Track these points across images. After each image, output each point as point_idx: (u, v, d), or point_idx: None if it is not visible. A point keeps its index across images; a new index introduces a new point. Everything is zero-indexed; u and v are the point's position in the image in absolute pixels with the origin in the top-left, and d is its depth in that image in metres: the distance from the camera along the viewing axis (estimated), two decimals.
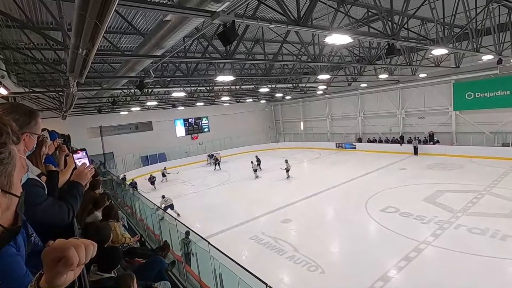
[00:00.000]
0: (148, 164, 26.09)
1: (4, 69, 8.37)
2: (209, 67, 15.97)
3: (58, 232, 1.07)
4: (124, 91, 16.06)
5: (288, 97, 30.86)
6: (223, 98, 25.07)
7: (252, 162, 20.11)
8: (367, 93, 25.88)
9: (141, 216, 10.05)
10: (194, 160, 27.47)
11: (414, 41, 9.64)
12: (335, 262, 8.07)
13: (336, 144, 27.79)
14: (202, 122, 32.51)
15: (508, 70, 14.53)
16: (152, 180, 19.32)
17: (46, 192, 1.48)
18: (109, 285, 2.29)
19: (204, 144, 30.27)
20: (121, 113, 25.63)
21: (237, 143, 31.21)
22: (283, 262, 8.10)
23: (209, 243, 5.44)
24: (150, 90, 15.51)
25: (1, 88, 7.60)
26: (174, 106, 25.48)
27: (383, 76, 17.50)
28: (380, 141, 24.88)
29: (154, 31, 6.18)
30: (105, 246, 3.00)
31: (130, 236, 4.66)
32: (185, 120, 31.16)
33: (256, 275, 4.15)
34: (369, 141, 25.74)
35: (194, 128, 31.91)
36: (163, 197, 13.28)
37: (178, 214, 12.49)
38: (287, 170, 17.89)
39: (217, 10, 4.23)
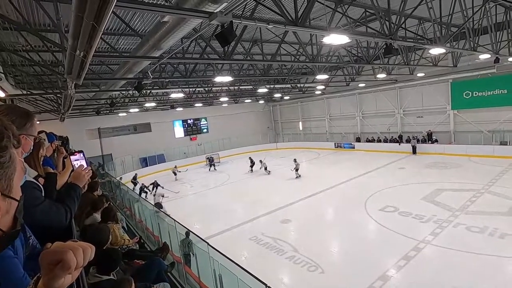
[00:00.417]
0: (147, 166, 26.06)
1: (2, 71, 8.34)
2: (207, 68, 15.98)
3: (57, 234, 1.06)
4: (122, 92, 16.06)
5: (286, 98, 30.89)
6: (222, 99, 25.07)
7: (260, 161, 20.51)
8: (365, 93, 25.94)
9: (140, 217, 10.03)
10: (193, 161, 27.44)
11: (412, 40, 9.68)
12: (334, 262, 8.08)
13: (335, 144, 27.83)
14: (201, 123, 32.49)
15: (505, 69, 14.60)
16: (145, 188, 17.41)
17: (43, 194, 1.47)
18: None
19: (203, 145, 30.26)
20: (120, 114, 25.58)
21: (236, 143, 31.20)
22: (282, 263, 8.09)
23: (208, 244, 5.43)
24: (148, 91, 15.53)
25: None
26: (172, 107, 25.45)
27: (381, 75, 17.56)
28: (379, 141, 24.94)
29: (152, 33, 6.17)
30: (104, 248, 2.99)
31: (129, 238, 4.65)
32: (184, 121, 31.13)
33: (256, 275, 4.15)
34: (368, 140, 25.78)
35: (192, 129, 31.88)
36: (154, 195, 13.99)
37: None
38: (297, 169, 17.92)
39: (215, 11, 4.23)
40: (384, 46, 8.02)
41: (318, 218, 11.37)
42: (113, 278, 2.47)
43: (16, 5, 5.86)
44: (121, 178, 20.81)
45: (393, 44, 7.80)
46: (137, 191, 15.86)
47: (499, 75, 16.94)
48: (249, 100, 30.55)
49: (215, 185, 18.98)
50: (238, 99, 28.33)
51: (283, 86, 21.00)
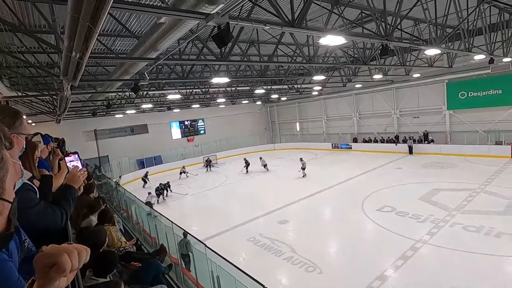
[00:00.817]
0: (144, 167, 25.93)
1: None
2: (204, 69, 15.98)
3: (52, 237, 1.06)
4: (119, 94, 15.98)
5: (283, 98, 30.95)
6: (219, 100, 25.05)
7: (260, 158, 21.45)
8: (362, 94, 26.06)
9: (137, 219, 9.98)
10: (191, 163, 27.34)
11: (408, 41, 9.75)
12: (332, 262, 8.09)
13: (332, 144, 27.91)
14: (198, 124, 32.42)
15: (499, 69, 14.75)
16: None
17: (38, 196, 1.46)
18: None
19: (200, 146, 30.18)
20: (116, 116, 25.47)
21: (233, 144, 31.18)
22: (280, 263, 8.09)
23: (205, 245, 5.41)
24: (145, 92, 15.47)
25: None
26: (169, 108, 25.40)
27: (378, 76, 17.65)
28: (376, 141, 25.05)
29: (148, 34, 6.16)
30: (101, 250, 2.97)
31: (126, 240, 4.62)
32: (181, 122, 31.05)
33: (254, 277, 4.14)
34: (365, 141, 25.89)
35: (190, 130, 31.81)
36: (149, 193, 14.19)
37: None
38: (303, 168, 17.93)
39: (212, 12, 4.24)
40: (380, 47, 8.08)
41: (315, 218, 11.38)
42: (109, 280, 2.46)
43: (11, 6, 5.82)
44: (120, 177, 20.96)
45: (389, 45, 7.84)
46: (148, 189, 16.76)
47: (494, 75, 17.10)
48: (246, 101, 30.57)
49: (212, 186, 18.93)
50: (235, 100, 28.33)
51: (280, 87, 21.04)
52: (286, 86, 21.32)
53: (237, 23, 4.97)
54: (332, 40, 6.92)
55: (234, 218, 12.35)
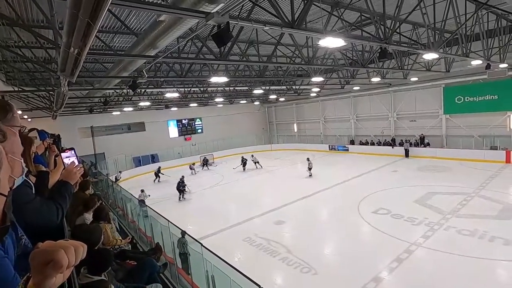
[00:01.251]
0: (141, 165, 25.82)
1: None
2: (203, 68, 15.94)
3: (48, 234, 1.04)
4: (117, 91, 15.89)
5: (281, 99, 30.99)
6: (217, 99, 25.02)
7: (252, 156, 22.44)
8: (359, 96, 26.17)
9: (132, 217, 9.93)
10: (187, 162, 27.25)
11: (406, 45, 9.80)
12: (327, 263, 8.10)
13: (329, 146, 28.00)
14: (196, 123, 32.35)
15: (496, 75, 14.87)
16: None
17: (33, 192, 1.44)
18: None
19: (197, 145, 30.11)
20: (113, 113, 25.31)
21: (231, 144, 31.14)
22: (276, 264, 8.09)
23: (202, 245, 5.40)
24: (143, 90, 15.38)
25: None
26: (167, 106, 25.29)
27: (376, 79, 17.75)
28: (372, 144, 25.17)
29: (147, 31, 6.14)
30: (96, 248, 2.95)
31: (121, 238, 4.59)
32: (178, 121, 30.96)
33: (249, 277, 4.14)
34: (362, 143, 25.99)
35: (187, 129, 31.72)
36: (142, 191, 13.98)
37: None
38: (310, 169, 17.97)
39: (212, 11, 4.23)
40: (379, 50, 8.11)
41: (311, 219, 11.40)
42: (104, 278, 2.44)
43: (9, 0, 5.76)
44: (120, 172, 21.62)
45: (387, 48, 7.89)
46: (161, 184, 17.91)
47: (490, 81, 17.26)
48: (244, 101, 30.56)
49: (209, 185, 18.89)
50: (233, 99, 28.31)
51: (279, 87, 21.06)
52: (284, 87, 21.35)
53: (237, 22, 4.96)
54: (332, 42, 6.94)
55: (230, 217, 12.33)
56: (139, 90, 14.46)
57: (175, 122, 30.81)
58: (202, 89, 18.18)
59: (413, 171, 17.46)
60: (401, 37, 9.78)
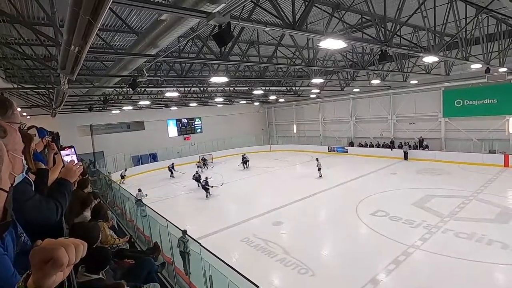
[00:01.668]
0: (140, 164, 25.79)
1: None
2: (203, 68, 15.94)
3: (47, 232, 1.04)
4: (116, 89, 15.87)
5: (281, 100, 31.02)
6: (217, 99, 25.01)
7: (244, 154, 23.02)
8: (359, 98, 26.21)
9: (131, 216, 9.91)
10: (186, 161, 27.26)
11: (406, 48, 9.82)
12: (325, 265, 8.10)
13: (328, 147, 28.02)
14: (195, 123, 32.33)
15: (495, 79, 14.93)
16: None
17: (33, 189, 1.44)
18: None
19: (197, 145, 30.09)
20: (113, 111, 25.26)
21: (230, 144, 31.14)
22: (273, 265, 8.09)
23: (200, 244, 5.39)
24: (143, 89, 15.37)
25: None
26: (167, 106, 25.28)
27: (375, 81, 17.77)
28: (371, 146, 25.20)
29: (148, 30, 6.14)
30: (94, 246, 2.94)
31: (118, 237, 4.58)
32: (178, 120, 30.94)
33: (248, 277, 4.13)
34: (361, 145, 26.02)
35: (186, 128, 31.70)
36: (139, 190, 13.98)
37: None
38: (319, 169, 17.94)
39: (213, 11, 4.23)
40: (379, 53, 8.14)
41: (309, 221, 11.40)
42: (102, 277, 2.43)
43: None
44: (125, 170, 22.13)
45: (388, 50, 7.91)
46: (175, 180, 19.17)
47: (490, 85, 17.30)
48: (244, 102, 30.57)
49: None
50: (233, 100, 28.31)
51: (279, 88, 21.07)
52: (284, 88, 21.36)
53: (238, 23, 4.97)
54: (332, 44, 6.95)
55: (228, 218, 12.32)
56: (139, 89, 14.46)
57: (175, 121, 30.79)
58: (202, 89, 18.16)
59: (411, 173, 17.49)
60: (401, 39, 9.81)
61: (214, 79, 12.69)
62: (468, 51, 11.64)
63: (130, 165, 25.18)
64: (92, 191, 5.52)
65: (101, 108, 22.55)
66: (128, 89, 14.10)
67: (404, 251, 8.15)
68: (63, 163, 2.10)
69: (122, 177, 21.49)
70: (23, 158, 0.93)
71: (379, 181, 16.38)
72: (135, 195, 12.90)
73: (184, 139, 31.23)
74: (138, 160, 26.25)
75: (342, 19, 8.35)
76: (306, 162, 24.65)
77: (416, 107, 22.67)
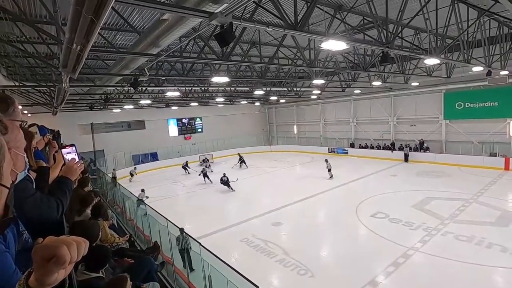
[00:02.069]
0: (140, 163, 25.80)
1: None
2: (204, 68, 15.95)
3: (48, 229, 1.04)
4: (118, 88, 15.87)
5: (282, 101, 31.02)
6: (218, 99, 25.01)
7: (238, 154, 23.34)
8: (360, 100, 26.21)
9: (130, 215, 9.92)
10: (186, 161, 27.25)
11: (408, 50, 9.85)
12: (324, 266, 8.09)
13: (328, 148, 27.99)
14: (196, 123, 32.34)
15: (497, 82, 14.93)
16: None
17: (34, 186, 1.44)
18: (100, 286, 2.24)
19: (197, 145, 30.10)
20: (114, 110, 25.30)
21: (230, 144, 31.14)
22: (273, 265, 8.08)
23: (200, 244, 5.39)
24: (144, 88, 15.38)
25: None
26: (167, 105, 25.28)
27: (377, 83, 17.76)
28: (372, 147, 25.18)
29: (150, 29, 6.14)
30: (94, 244, 2.94)
31: (118, 236, 4.58)
32: (179, 120, 30.95)
33: (248, 278, 4.13)
34: (361, 147, 26.01)
35: (187, 128, 31.72)
36: (142, 190, 13.99)
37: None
38: (329, 170, 17.92)
39: (215, 11, 4.24)
40: (381, 54, 8.13)
41: (309, 222, 11.39)
42: (102, 275, 2.43)
43: None
44: (135, 168, 22.75)
45: (389, 52, 7.91)
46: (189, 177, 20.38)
47: (491, 87, 17.32)
48: (245, 102, 30.56)
49: (208, 185, 18.86)
50: (234, 100, 28.31)
51: (280, 89, 21.07)
52: (285, 89, 21.36)
53: (240, 23, 4.98)
54: (334, 45, 6.95)
55: (228, 218, 12.32)
56: (140, 88, 14.48)
57: (175, 121, 30.81)
58: (203, 88, 18.17)
59: (412, 175, 17.47)
60: (403, 41, 9.82)
61: (215, 79, 12.70)
62: (470, 54, 11.64)
63: (130, 164, 25.19)
64: (92, 190, 5.52)
65: (102, 107, 22.58)
66: (129, 88, 14.10)
67: (403, 253, 8.14)
68: (64, 161, 2.10)
69: (132, 175, 21.97)
70: (25, 155, 0.93)
71: (379, 182, 16.36)
72: (137, 195, 12.96)
73: (185, 138, 31.24)
74: (139, 159, 26.27)
75: (344, 20, 8.36)
76: (307, 163, 24.65)
77: (417, 109, 22.66)
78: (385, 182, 16.33)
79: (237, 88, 19.28)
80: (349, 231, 10.15)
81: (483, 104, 18.85)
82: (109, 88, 15.09)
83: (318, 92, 24.36)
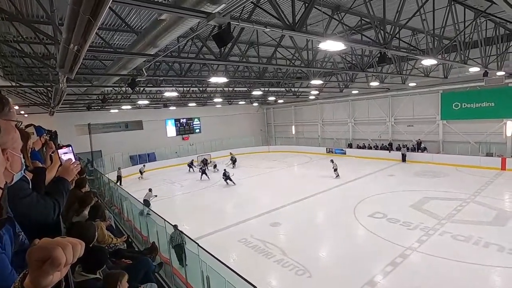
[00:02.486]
0: (137, 164, 25.69)
1: None
2: (202, 68, 15.92)
3: (45, 230, 1.03)
4: (115, 88, 15.81)
5: (280, 101, 31.03)
6: (216, 100, 24.99)
7: (230, 153, 23.86)
8: (358, 100, 26.29)
9: (128, 216, 9.88)
10: (185, 161, 27.19)
11: (405, 50, 9.88)
12: (322, 266, 8.10)
13: (326, 149, 28.05)
14: (194, 123, 32.29)
15: (493, 82, 15.04)
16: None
17: (30, 187, 1.43)
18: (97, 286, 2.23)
19: (195, 145, 30.04)
20: (111, 111, 25.20)
21: (228, 145, 31.09)
22: (271, 266, 8.08)
23: (198, 245, 5.38)
24: (142, 88, 15.33)
25: None
26: (165, 105, 25.22)
27: (374, 83, 17.83)
28: (370, 148, 25.26)
29: (148, 30, 6.12)
30: (90, 246, 2.93)
31: (113, 237, 4.56)
32: (176, 120, 30.88)
33: (246, 278, 4.12)
34: (359, 147, 26.08)
35: (185, 128, 31.65)
36: (150, 190, 13.96)
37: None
38: (335, 170, 17.95)
39: (213, 12, 4.23)
40: (378, 55, 8.16)
41: (307, 222, 11.40)
42: (99, 277, 2.42)
43: None
44: (144, 166, 23.32)
45: (387, 53, 7.94)
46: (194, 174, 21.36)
47: (487, 88, 17.43)
48: (243, 102, 30.56)
49: (206, 185, 18.85)
50: (232, 100, 28.30)
51: (278, 89, 21.09)
52: (283, 89, 21.38)
53: (238, 23, 4.97)
54: (332, 46, 6.97)
55: (226, 218, 12.31)
56: (138, 88, 14.41)
57: (173, 121, 30.74)
58: (201, 89, 18.14)
59: (409, 175, 17.54)
60: (400, 42, 9.85)
61: (213, 79, 12.69)
62: (467, 55, 11.70)
63: (128, 165, 25.10)
64: (90, 190, 5.49)
65: (99, 107, 22.48)
66: (127, 89, 14.06)
67: (401, 253, 8.16)
68: (60, 162, 2.09)
69: (141, 172, 22.45)
70: (21, 156, 0.92)
71: (377, 183, 16.41)
72: (144, 196, 13.14)
73: (183, 139, 31.18)
74: (136, 160, 26.16)
75: (342, 21, 8.38)
76: (305, 163, 24.70)
77: (415, 110, 22.76)
78: (383, 182, 16.38)
79: (235, 89, 19.28)
80: (347, 231, 10.17)
81: (479, 104, 18.97)
82: (106, 88, 15.04)
83: (316, 92, 24.41)
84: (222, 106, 31.21)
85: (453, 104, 20.23)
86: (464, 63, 11.58)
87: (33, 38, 8.47)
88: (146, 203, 13.09)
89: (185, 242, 6.43)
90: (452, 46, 10.84)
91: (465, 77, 17.59)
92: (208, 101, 26.12)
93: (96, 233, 3.28)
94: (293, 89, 22.07)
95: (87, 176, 10.19)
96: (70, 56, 5.02)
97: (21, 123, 1.80)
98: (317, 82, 15.86)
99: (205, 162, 24.57)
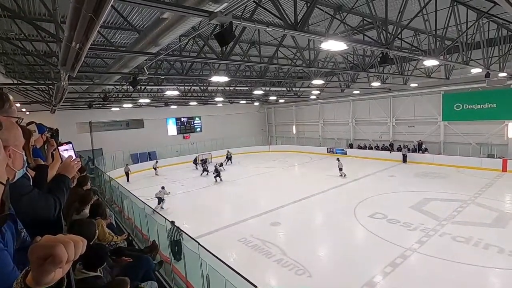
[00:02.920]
0: (138, 162, 25.75)
1: None
2: (204, 67, 15.91)
3: (46, 227, 1.04)
4: (117, 87, 15.84)
5: (281, 101, 31.02)
6: (217, 99, 25.00)
7: (228, 151, 24.63)
8: (359, 100, 26.25)
9: (129, 214, 9.89)
10: (185, 160, 27.23)
11: (407, 51, 9.85)
12: (322, 266, 8.11)
13: (327, 149, 28.03)
14: (195, 122, 32.31)
15: (495, 83, 14.98)
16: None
17: (31, 184, 1.43)
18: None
19: (196, 144, 30.07)
20: (112, 109, 25.23)
21: (229, 144, 31.09)
22: (270, 265, 8.08)
23: (198, 243, 5.38)
24: (143, 87, 15.34)
25: None
26: (166, 104, 25.23)
27: (376, 84, 17.79)
28: (370, 148, 25.23)
29: (150, 28, 6.12)
30: (91, 243, 2.93)
31: (116, 235, 4.57)
32: (177, 119, 30.91)
33: (246, 277, 4.13)
34: (360, 147, 26.05)
35: (186, 127, 31.68)
36: (162, 188, 14.11)
37: (162, 208, 13.58)
38: (341, 169, 17.96)
39: (215, 11, 4.23)
40: (380, 55, 8.14)
41: (307, 222, 11.40)
42: (99, 274, 2.43)
43: None
44: (156, 162, 23.98)
45: (388, 53, 7.92)
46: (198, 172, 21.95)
47: (489, 89, 17.36)
48: (244, 101, 30.55)
49: (207, 184, 18.87)
50: (233, 99, 28.28)
51: (279, 89, 21.07)
52: (284, 89, 21.37)
53: (240, 23, 4.97)
54: (333, 46, 6.96)
55: (226, 217, 12.32)
56: (139, 87, 14.42)
57: (174, 120, 30.77)
58: (202, 88, 18.15)
59: (410, 176, 17.52)
60: (402, 42, 9.84)
61: (215, 79, 12.68)
62: (469, 56, 11.67)
63: (129, 163, 25.12)
64: (91, 188, 5.50)
65: (100, 105, 22.50)
66: (128, 87, 14.07)
67: (401, 254, 8.16)
68: (61, 159, 2.10)
69: (155, 169, 23.13)
70: (23, 153, 0.92)
71: (377, 183, 16.40)
72: (157, 193, 13.55)
73: (184, 138, 31.20)
74: (137, 158, 26.21)
75: (344, 21, 8.37)
76: (305, 163, 24.69)
77: (416, 110, 22.72)
78: (383, 183, 16.37)
79: (236, 88, 19.27)
80: (347, 231, 10.17)
81: (481, 105, 18.92)
82: (108, 86, 15.05)
83: (317, 92, 24.39)
84: (223, 105, 31.20)
85: (455, 105, 20.18)
86: (466, 64, 11.55)
87: (35, 36, 8.49)
88: (160, 200, 13.30)
89: (183, 238, 6.45)
90: (454, 47, 10.79)
91: (467, 78, 17.54)
92: (209, 100, 26.12)
93: (97, 231, 3.29)
94: (294, 89, 22.05)
95: (88, 174, 10.22)
96: (72, 54, 5.03)
97: (22, 120, 1.81)
98: (318, 82, 15.84)
99: (205, 162, 24.62)
